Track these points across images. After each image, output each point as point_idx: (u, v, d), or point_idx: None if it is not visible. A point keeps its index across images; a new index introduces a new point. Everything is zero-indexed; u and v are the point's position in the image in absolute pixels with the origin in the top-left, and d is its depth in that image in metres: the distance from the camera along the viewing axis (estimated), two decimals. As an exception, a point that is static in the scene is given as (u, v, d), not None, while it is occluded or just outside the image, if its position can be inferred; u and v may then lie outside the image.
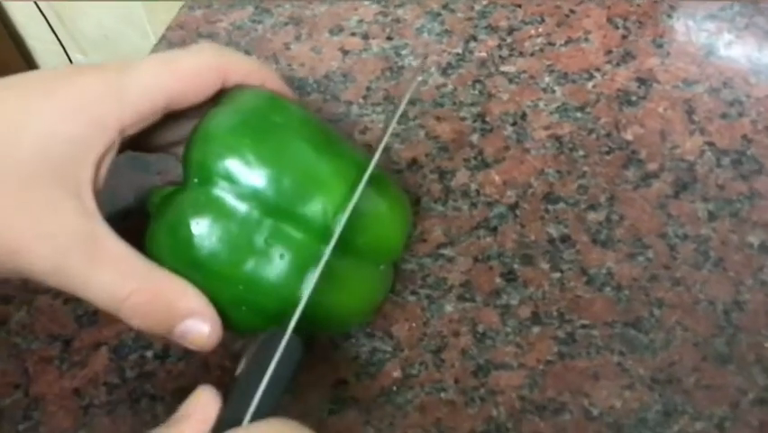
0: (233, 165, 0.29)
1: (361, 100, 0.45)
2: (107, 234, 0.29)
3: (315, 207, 0.30)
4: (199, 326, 0.30)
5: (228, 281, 0.30)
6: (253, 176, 0.29)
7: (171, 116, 0.32)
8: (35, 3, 1.38)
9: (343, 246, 0.31)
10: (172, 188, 0.32)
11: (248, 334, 0.36)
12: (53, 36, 1.46)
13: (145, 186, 0.41)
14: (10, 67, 1.56)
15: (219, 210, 0.29)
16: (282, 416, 0.34)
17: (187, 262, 0.30)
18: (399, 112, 0.33)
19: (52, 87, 0.29)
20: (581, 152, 0.42)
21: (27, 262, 0.27)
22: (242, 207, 0.29)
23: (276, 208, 0.30)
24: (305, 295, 0.30)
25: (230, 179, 0.29)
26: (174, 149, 0.36)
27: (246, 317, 0.31)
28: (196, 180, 0.30)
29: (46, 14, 1.41)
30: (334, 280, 0.32)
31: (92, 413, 0.35)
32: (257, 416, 0.27)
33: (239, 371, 0.29)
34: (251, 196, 0.29)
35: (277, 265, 0.30)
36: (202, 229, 0.29)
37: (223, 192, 0.29)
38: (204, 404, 0.27)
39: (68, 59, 1.51)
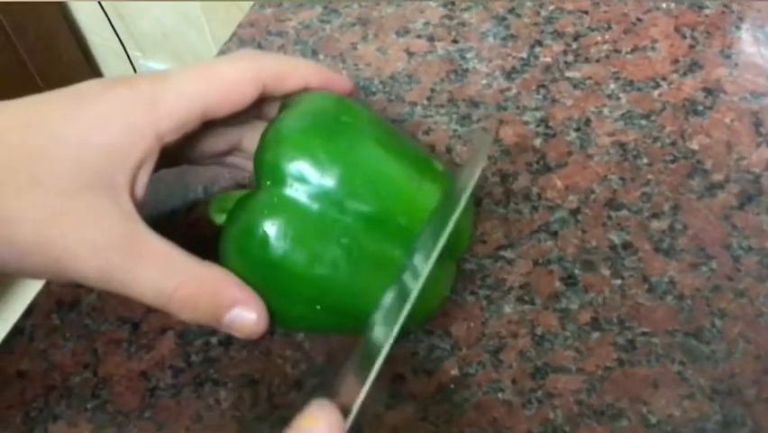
0: (305, 166, 0.30)
1: (425, 101, 0.45)
2: (148, 233, 0.29)
3: (386, 207, 0.31)
4: (245, 313, 0.30)
5: (303, 281, 0.31)
6: (326, 176, 0.30)
7: (214, 126, 0.32)
8: (99, 2, 1.41)
9: (413, 244, 0.32)
10: (238, 194, 0.32)
11: (321, 333, 0.37)
12: (113, 33, 1.49)
13: (214, 179, 0.43)
14: (70, 64, 1.60)
15: (293, 211, 0.30)
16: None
17: (262, 264, 0.30)
18: (476, 176, 0.32)
19: (86, 99, 0.29)
20: (646, 160, 0.42)
21: (71, 267, 0.28)
22: (315, 206, 0.30)
23: (348, 208, 0.30)
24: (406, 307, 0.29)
25: (302, 179, 0.30)
26: (223, 159, 0.37)
27: (320, 316, 0.32)
28: (268, 183, 0.30)
29: (107, 12, 1.44)
30: None
31: (157, 395, 0.36)
32: None
33: None
34: (324, 196, 0.30)
35: (350, 265, 0.31)
36: (276, 230, 0.30)
37: (296, 193, 0.30)
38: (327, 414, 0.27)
39: (126, 57, 1.54)
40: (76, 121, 0.28)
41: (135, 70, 1.58)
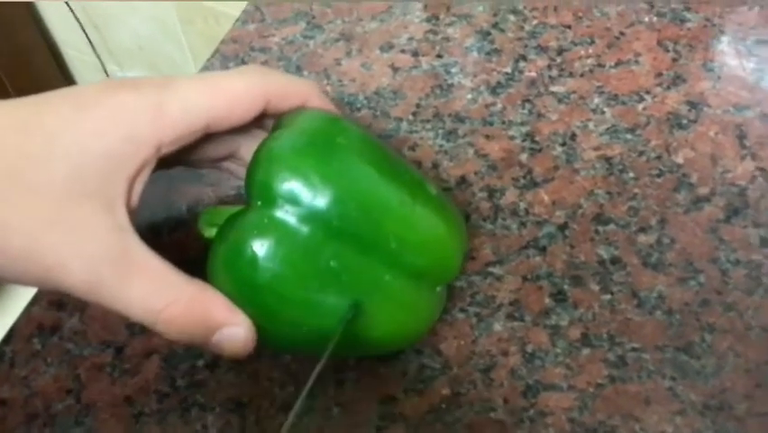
0: (296, 187, 0.29)
1: (410, 117, 0.45)
2: (140, 248, 0.29)
3: (377, 231, 0.30)
4: (234, 333, 0.30)
5: (290, 303, 0.30)
6: (317, 198, 0.29)
7: (215, 135, 0.32)
8: (72, 13, 1.39)
9: (402, 268, 0.31)
10: (227, 210, 0.32)
11: (306, 354, 0.36)
12: (89, 46, 1.48)
13: (199, 197, 0.42)
14: (46, 74, 1.58)
15: (282, 232, 0.29)
16: (333, 430, 0.34)
17: (249, 284, 0.30)
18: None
19: (86, 104, 0.28)
20: (632, 174, 0.42)
21: (61, 278, 0.27)
22: (304, 229, 0.29)
23: (339, 231, 0.30)
24: (338, 332, 0.30)
25: (293, 201, 0.29)
26: (222, 164, 0.37)
27: (306, 338, 0.31)
28: (259, 203, 0.30)
29: (82, 23, 1.43)
30: (392, 302, 0.32)
31: (143, 421, 0.35)
32: None
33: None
34: (315, 218, 0.29)
35: (338, 288, 0.30)
36: (265, 251, 0.29)
37: (286, 215, 0.29)
38: None
39: (102, 69, 1.53)
40: (75, 127, 0.28)
41: (111, 83, 1.56)
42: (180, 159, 0.34)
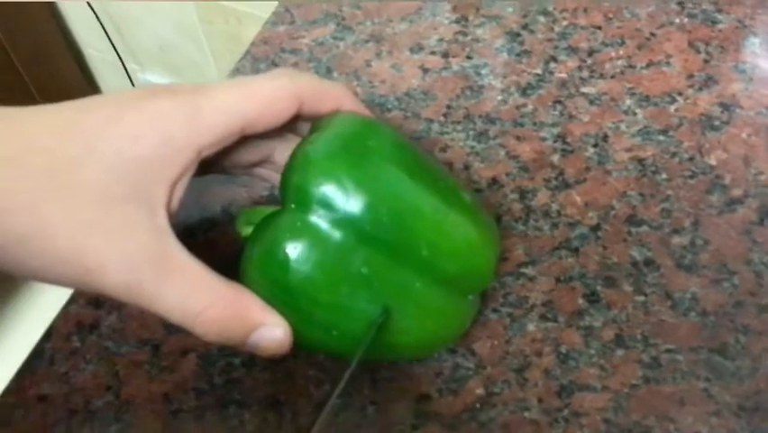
0: (331, 191, 0.30)
1: (441, 118, 0.45)
2: (180, 251, 0.29)
3: (409, 238, 0.31)
4: (271, 333, 0.30)
5: (321, 306, 0.31)
6: (350, 203, 0.30)
7: (248, 139, 0.32)
8: (94, 13, 1.41)
9: (433, 276, 0.32)
10: (265, 210, 0.32)
11: (337, 357, 0.37)
12: (110, 46, 1.49)
13: (232, 199, 0.42)
14: (67, 74, 1.60)
15: (315, 236, 0.30)
16: (368, 429, 0.35)
17: (281, 286, 0.30)
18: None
19: (125, 109, 0.29)
20: (664, 176, 0.42)
21: (101, 279, 0.28)
22: (336, 234, 0.30)
23: (371, 237, 0.30)
24: (368, 337, 0.31)
25: (327, 205, 0.30)
26: (255, 170, 0.37)
27: (336, 341, 0.32)
28: (293, 205, 0.30)
29: (104, 24, 1.44)
30: (422, 309, 0.32)
31: (181, 418, 0.35)
32: None
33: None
34: (348, 223, 0.30)
35: (368, 294, 0.31)
36: (298, 254, 0.30)
37: (319, 219, 0.30)
38: None
39: (123, 69, 1.54)
40: (114, 132, 0.28)
41: (133, 84, 1.58)
42: (215, 165, 0.34)
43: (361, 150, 0.31)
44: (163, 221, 0.29)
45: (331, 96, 0.33)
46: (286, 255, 0.30)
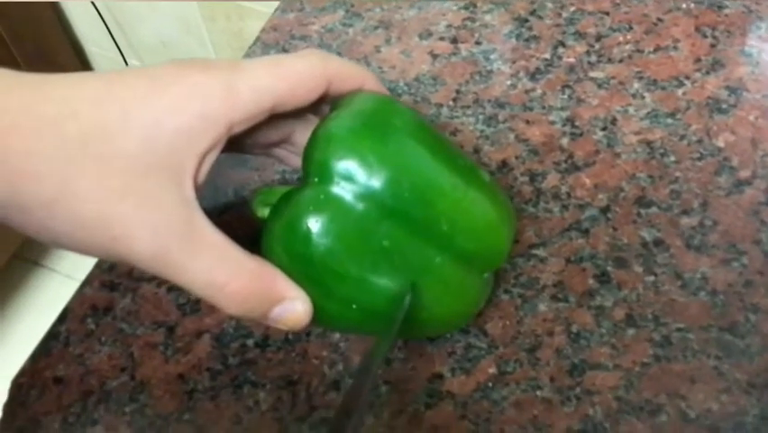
0: (353, 165, 0.30)
1: (451, 103, 0.45)
2: (206, 223, 0.29)
3: (430, 213, 0.31)
4: (293, 307, 0.30)
5: (342, 280, 0.31)
6: (373, 177, 0.30)
7: (271, 118, 0.32)
8: (96, 10, 1.41)
9: (453, 252, 0.32)
10: (282, 189, 0.33)
11: (355, 333, 0.37)
12: (112, 42, 1.49)
13: (245, 182, 0.43)
14: (68, 71, 1.59)
15: (338, 209, 0.30)
16: (382, 408, 0.35)
17: (303, 259, 0.30)
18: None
19: (162, 81, 0.29)
20: (673, 158, 0.42)
21: (127, 247, 0.28)
22: (360, 206, 0.30)
23: (392, 211, 0.30)
24: (401, 313, 0.31)
25: (350, 178, 0.30)
26: (273, 150, 0.37)
27: (356, 316, 0.32)
28: (315, 179, 0.30)
29: (106, 21, 1.44)
30: (441, 285, 0.33)
31: (196, 398, 0.36)
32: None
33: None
34: (370, 197, 0.30)
35: (390, 267, 0.31)
36: (320, 226, 0.30)
37: (342, 191, 0.30)
38: None
39: (125, 66, 1.54)
40: (150, 102, 0.28)
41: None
42: (237, 143, 0.34)
43: (383, 126, 0.31)
44: (190, 193, 0.29)
45: (355, 77, 0.33)
46: (308, 228, 0.30)
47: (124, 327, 0.38)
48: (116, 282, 0.39)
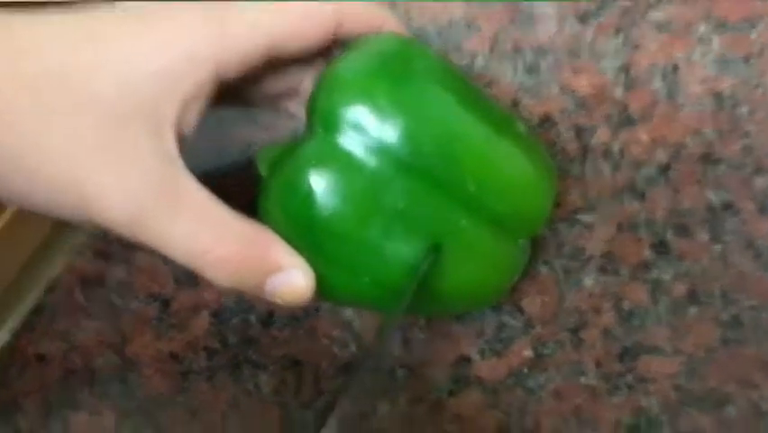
0: (363, 113, 0.26)
1: (486, 51, 0.41)
2: (188, 180, 0.26)
3: (454, 170, 0.27)
4: (292, 278, 0.27)
5: (351, 246, 0.27)
6: (387, 127, 0.26)
7: (275, 65, 0.29)
8: None
9: (481, 214, 0.27)
10: (288, 144, 0.28)
11: (367, 308, 0.33)
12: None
13: (251, 141, 0.39)
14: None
15: (345, 163, 0.26)
16: (398, 394, 0.31)
17: (305, 223, 0.26)
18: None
19: (144, 18, 0.26)
20: (745, 109, 0.36)
21: (99, 209, 0.25)
22: (371, 162, 0.26)
23: (410, 167, 0.26)
24: (416, 277, 0.27)
25: (360, 128, 0.26)
26: (281, 102, 0.33)
27: (366, 288, 0.28)
28: (320, 130, 0.26)
29: None
30: (467, 252, 0.28)
31: (191, 379, 0.32)
32: None
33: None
34: (383, 150, 0.26)
35: (405, 231, 0.27)
36: (324, 184, 0.26)
37: (350, 144, 0.26)
38: None
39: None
40: (129, 41, 0.25)
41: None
42: (238, 95, 0.31)
43: (401, 69, 0.27)
44: (171, 145, 0.26)
45: (372, 17, 0.29)
46: (310, 187, 0.26)
47: (116, 299, 0.35)
48: (110, 251, 0.36)
